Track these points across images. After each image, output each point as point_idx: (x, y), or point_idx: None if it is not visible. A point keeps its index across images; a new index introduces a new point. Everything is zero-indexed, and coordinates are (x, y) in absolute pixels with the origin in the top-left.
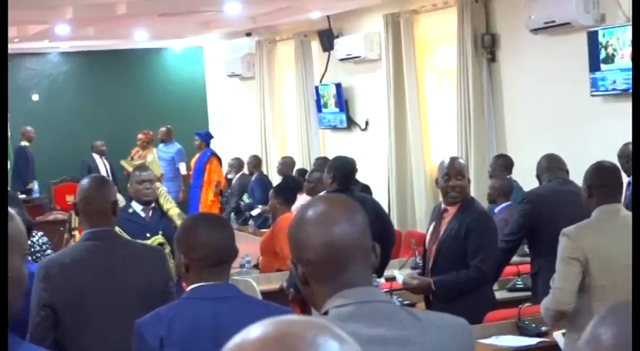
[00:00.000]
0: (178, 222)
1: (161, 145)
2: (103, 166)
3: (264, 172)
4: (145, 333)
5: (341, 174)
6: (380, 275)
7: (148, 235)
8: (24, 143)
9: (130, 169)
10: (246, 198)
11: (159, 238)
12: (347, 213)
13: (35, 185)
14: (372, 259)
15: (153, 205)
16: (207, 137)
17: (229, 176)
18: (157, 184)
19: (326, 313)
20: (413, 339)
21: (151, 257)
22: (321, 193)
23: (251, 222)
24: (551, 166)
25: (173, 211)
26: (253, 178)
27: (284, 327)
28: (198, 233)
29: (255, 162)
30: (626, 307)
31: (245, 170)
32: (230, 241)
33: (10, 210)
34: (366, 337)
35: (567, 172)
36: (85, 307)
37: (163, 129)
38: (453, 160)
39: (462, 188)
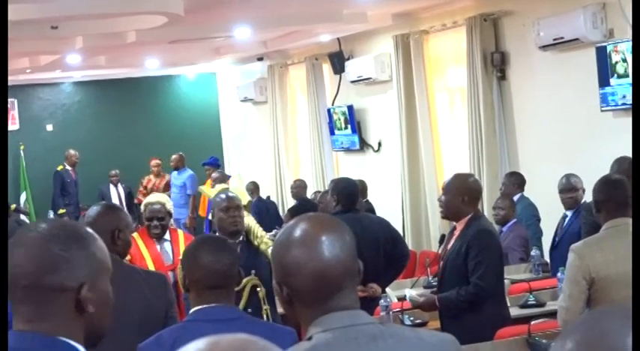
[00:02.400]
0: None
1: (174, 173)
2: (116, 195)
3: (280, 195)
4: None
5: (344, 195)
6: (383, 291)
7: None
8: (60, 168)
9: (211, 195)
10: None
11: (252, 279)
12: (335, 235)
13: (51, 214)
14: (358, 280)
15: (241, 238)
16: (214, 162)
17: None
18: (245, 214)
19: (310, 339)
20: None
21: (152, 282)
22: None
23: None
24: None
25: (265, 246)
26: (252, 204)
27: (218, 345)
28: (198, 255)
29: (253, 187)
30: (596, 316)
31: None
32: (230, 265)
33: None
34: None
35: None
36: None
37: (176, 156)
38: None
39: (444, 203)
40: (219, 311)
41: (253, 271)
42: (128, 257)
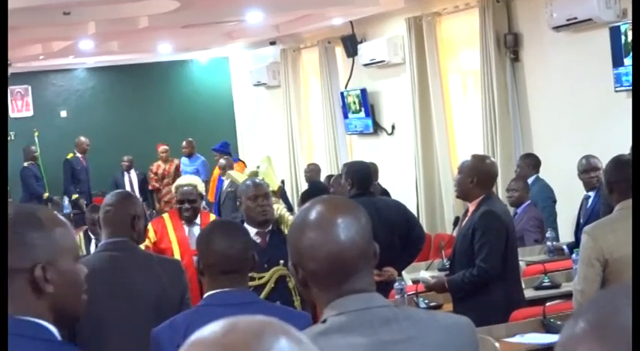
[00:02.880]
0: None
1: (184, 159)
2: (128, 182)
3: (294, 179)
4: (161, 341)
5: (359, 178)
6: (399, 274)
7: (265, 265)
8: (70, 156)
9: (240, 180)
10: None
11: (280, 270)
12: (351, 218)
13: (65, 200)
14: (374, 263)
15: (270, 227)
16: (224, 148)
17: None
18: (275, 200)
19: (324, 321)
20: (415, 340)
21: (168, 268)
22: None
23: None
24: None
25: None
26: None
27: (234, 323)
28: (212, 240)
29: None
30: (608, 294)
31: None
32: (243, 250)
33: (61, 217)
34: (365, 345)
35: None
36: (101, 317)
37: (185, 142)
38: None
39: (456, 183)
40: (233, 295)
41: (282, 262)
42: (147, 242)
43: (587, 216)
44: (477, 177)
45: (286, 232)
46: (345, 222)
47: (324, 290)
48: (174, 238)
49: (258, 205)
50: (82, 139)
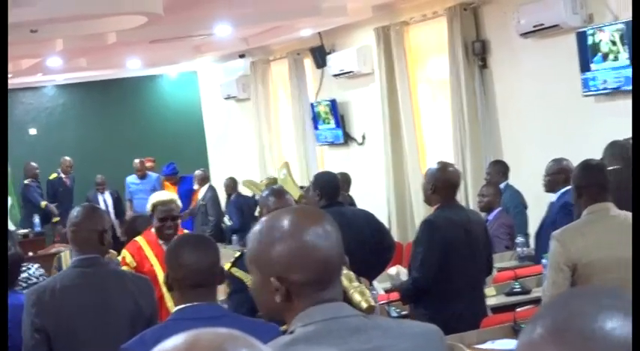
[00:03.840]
0: None
1: (133, 178)
2: (102, 202)
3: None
4: None
5: (328, 189)
6: (370, 284)
7: None
8: (53, 176)
9: (258, 191)
10: (227, 220)
11: None
12: (329, 225)
13: (36, 219)
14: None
15: None
16: (173, 170)
17: (230, 195)
18: None
19: (292, 332)
20: (383, 349)
21: (139, 284)
22: None
23: (235, 238)
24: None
25: None
26: (231, 201)
27: (196, 336)
28: (180, 254)
29: (233, 184)
30: (566, 298)
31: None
32: (212, 264)
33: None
34: None
35: None
36: (75, 332)
37: (139, 163)
38: None
39: (422, 189)
40: (202, 309)
41: None
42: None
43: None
44: (435, 185)
45: None
46: (325, 229)
47: (300, 301)
48: (155, 260)
49: None
50: (66, 158)
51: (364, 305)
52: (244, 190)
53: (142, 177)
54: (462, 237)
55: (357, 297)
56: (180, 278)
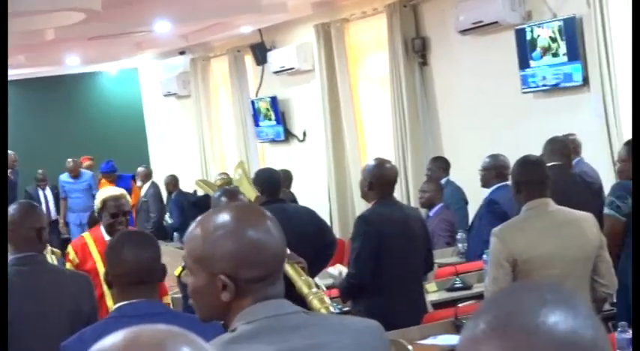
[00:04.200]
0: (286, 267)
1: (65, 177)
2: (43, 198)
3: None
4: None
5: (268, 186)
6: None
7: None
8: None
9: (211, 191)
10: (168, 218)
11: None
12: (268, 221)
13: None
14: None
15: None
16: (111, 168)
17: (170, 193)
18: None
19: (233, 330)
20: (325, 346)
21: (78, 282)
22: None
23: (175, 235)
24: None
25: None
26: (172, 199)
27: (136, 333)
28: (120, 250)
29: (174, 182)
30: (508, 293)
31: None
32: (153, 260)
33: None
34: None
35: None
36: (13, 331)
37: (72, 162)
38: None
39: (359, 185)
40: (143, 306)
41: None
42: (69, 266)
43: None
44: (371, 181)
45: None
46: (269, 225)
47: (248, 298)
48: (99, 257)
49: None
50: (10, 153)
51: (324, 312)
52: (185, 188)
53: (75, 177)
54: (398, 232)
55: (316, 304)
56: (119, 275)
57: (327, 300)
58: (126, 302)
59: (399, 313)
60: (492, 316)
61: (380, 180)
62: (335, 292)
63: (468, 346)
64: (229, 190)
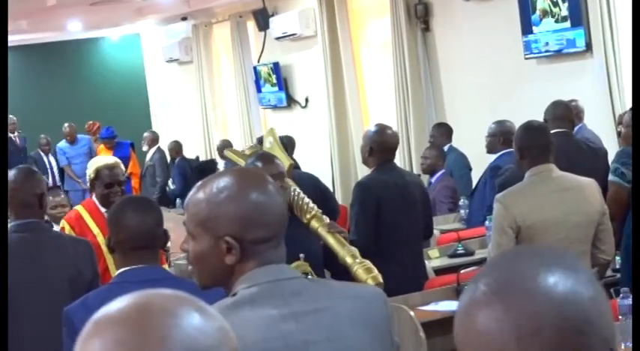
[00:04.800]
0: (328, 237)
1: (64, 145)
2: (47, 163)
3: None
4: (74, 319)
5: None
6: None
7: None
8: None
9: (241, 161)
10: (171, 184)
11: (301, 265)
12: (269, 184)
13: None
14: None
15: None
16: (111, 133)
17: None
18: (288, 181)
19: (235, 294)
20: (326, 311)
21: (79, 248)
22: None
23: (178, 201)
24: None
25: (318, 222)
26: (175, 165)
27: (146, 299)
28: (123, 216)
29: (177, 148)
30: (510, 257)
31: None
32: (155, 226)
33: None
34: (277, 316)
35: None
36: (16, 297)
37: (68, 127)
38: None
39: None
40: (145, 272)
41: (302, 256)
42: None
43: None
44: (372, 147)
45: (304, 220)
46: (270, 188)
47: (252, 261)
48: (98, 230)
49: None
50: (11, 117)
51: (371, 282)
52: (188, 154)
53: (72, 141)
54: (397, 198)
55: (361, 273)
56: (122, 241)
57: (374, 270)
58: (128, 268)
59: (398, 278)
60: (492, 279)
61: (380, 146)
62: None
63: (468, 308)
64: (265, 155)
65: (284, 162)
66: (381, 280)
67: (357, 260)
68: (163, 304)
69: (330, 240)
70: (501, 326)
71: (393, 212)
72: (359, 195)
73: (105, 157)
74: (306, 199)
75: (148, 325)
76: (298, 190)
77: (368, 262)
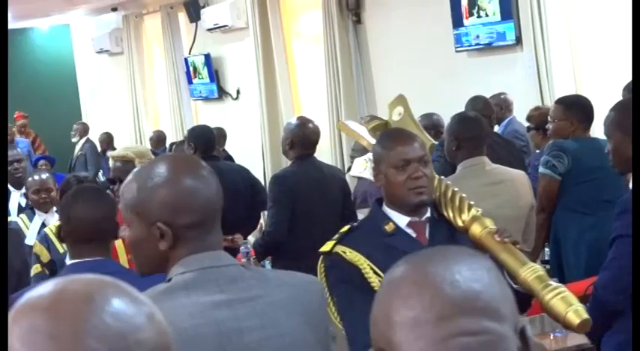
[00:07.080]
0: (498, 250)
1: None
2: None
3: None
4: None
5: (202, 142)
6: (244, 238)
7: None
8: None
9: (363, 139)
10: (101, 175)
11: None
12: (203, 170)
13: None
14: None
15: (428, 213)
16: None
17: (104, 151)
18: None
19: (169, 280)
20: (261, 299)
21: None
22: None
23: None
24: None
25: (478, 226)
26: (105, 157)
27: (63, 285)
28: (72, 207)
29: (108, 139)
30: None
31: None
32: (103, 218)
33: None
34: (210, 302)
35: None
36: None
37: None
38: None
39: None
40: (93, 265)
41: None
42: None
43: None
44: (292, 139)
45: (458, 222)
46: (203, 173)
47: (185, 247)
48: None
49: (409, 178)
50: None
51: (574, 319)
52: (118, 145)
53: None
54: (313, 192)
55: (558, 306)
56: (71, 231)
57: (574, 300)
58: (76, 261)
59: (314, 273)
60: (409, 266)
61: (301, 139)
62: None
63: (388, 289)
64: (399, 134)
65: (425, 140)
66: (587, 316)
67: (550, 286)
68: (81, 290)
69: (503, 255)
70: None
71: (308, 206)
72: (274, 188)
73: (127, 148)
74: (463, 195)
75: (63, 311)
76: (449, 181)
77: (562, 288)
